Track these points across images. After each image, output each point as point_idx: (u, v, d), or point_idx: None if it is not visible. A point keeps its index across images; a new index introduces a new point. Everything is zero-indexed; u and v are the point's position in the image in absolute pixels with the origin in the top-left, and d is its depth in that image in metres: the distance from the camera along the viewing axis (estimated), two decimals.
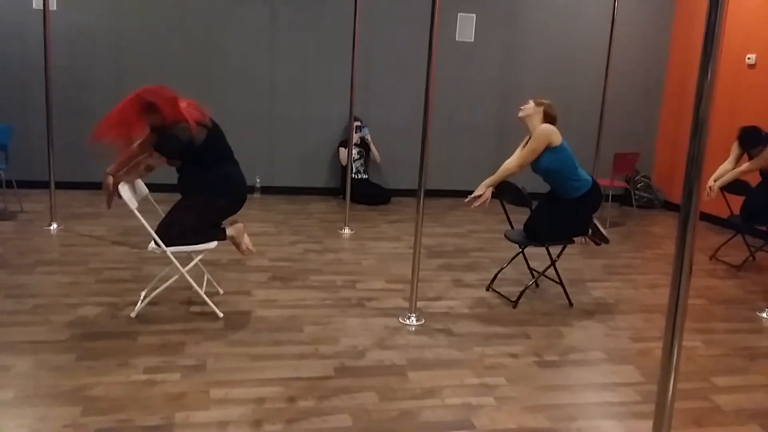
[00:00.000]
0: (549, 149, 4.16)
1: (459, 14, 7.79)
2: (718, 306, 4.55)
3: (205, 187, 3.75)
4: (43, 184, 5.86)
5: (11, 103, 6.97)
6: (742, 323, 4.24)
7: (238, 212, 3.92)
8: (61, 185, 6.17)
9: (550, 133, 4.15)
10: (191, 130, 3.59)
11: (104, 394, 2.83)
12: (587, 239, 4.62)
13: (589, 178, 4.30)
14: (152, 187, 4.04)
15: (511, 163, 4.28)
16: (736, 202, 5.65)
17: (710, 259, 5.76)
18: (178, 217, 3.69)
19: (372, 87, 7.71)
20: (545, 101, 4.26)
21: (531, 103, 4.26)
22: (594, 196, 4.30)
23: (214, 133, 3.77)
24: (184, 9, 7.22)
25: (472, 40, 7.92)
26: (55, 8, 6.69)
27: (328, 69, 7.58)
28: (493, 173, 4.32)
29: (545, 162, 4.18)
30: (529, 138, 4.27)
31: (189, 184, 3.78)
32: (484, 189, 4.22)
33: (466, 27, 7.86)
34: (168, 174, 3.84)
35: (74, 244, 5.18)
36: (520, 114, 4.27)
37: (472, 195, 4.22)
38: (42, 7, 5.47)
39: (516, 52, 8.08)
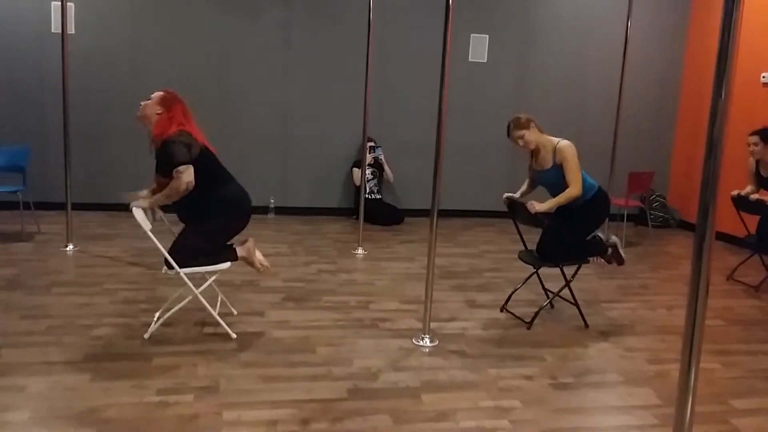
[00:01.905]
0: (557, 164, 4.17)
1: (472, 35, 7.83)
2: (736, 327, 4.49)
3: (209, 211, 3.74)
4: (60, 206, 5.92)
5: (29, 125, 7.06)
6: (760, 344, 4.18)
7: (250, 228, 3.91)
8: (78, 207, 6.23)
9: (574, 148, 4.15)
10: (191, 140, 3.63)
11: (118, 416, 2.82)
12: (604, 259, 4.58)
13: (594, 182, 4.28)
14: (166, 208, 4.06)
15: (572, 190, 4.09)
16: (753, 221, 5.59)
17: (727, 279, 5.69)
18: (189, 240, 3.70)
19: (385, 107, 7.75)
20: (522, 116, 4.22)
21: (522, 132, 4.18)
22: (601, 199, 4.29)
23: (206, 154, 3.76)
24: (200, 33, 7.31)
25: (485, 60, 7.95)
26: (73, 32, 6.80)
27: (342, 90, 7.62)
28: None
29: (559, 176, 4.17)
30: (536, 157, 4.28)
31: (192, 212, 3.76)
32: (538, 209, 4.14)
33: (478, 47, 7.89)
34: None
35: (90, 265, 5.21)
36: (531, 146, 4.22)
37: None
38: (60, 31, 5.57)
39: (529, 73, 8.10)
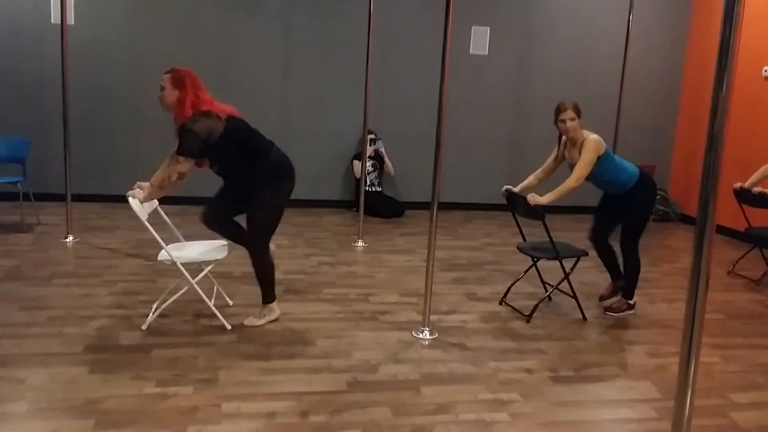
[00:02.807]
0: (600, 159, 4.14)
1: (473, 27, 7.80)
2: (736, 321, 4.49)
3: (262, 183, 3.72)
4: (60, 197, 5.91)
5: (29, 116, 7.05)
6: (761, 338, 4.18)
7: None
8: (78, 198, 6.22)
9: (600, 145, 4.14)
10: (211, 120, 3.57)
11: (117, 407, 2.83)
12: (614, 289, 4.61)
13: (634, 169, 4.29)
14: (162, 201, 4.06)
15: (570, 181, 4.10)
16: (754, 214, 5.58)
17: (728, 273, 5.69)
18: (257, 222, 3.74)
19: (386, 100, 7.73)
20: (577, 106, 4.20)
21: (574, 116, 4.15)
22: (645, 182, 4.32)
23: (234, 125, 3.70)
24: (200, 25, 7.29)
25: (486, 53, 7.92)
26: (73, 23, 6.77)
27: (342, 82, 7.60)
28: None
29: (605, 174, 4.20)
30: (564, 150, 4.28)
31: (246, 187, 3.74)
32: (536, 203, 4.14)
33: (480, 40, 7.87)
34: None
35: (89, 256, 5.21)
36: (570, 134, 4.19)
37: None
38: (60, 22, 5.55)
39: (530, 65, 8.07)
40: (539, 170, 4.47)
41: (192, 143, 3.55)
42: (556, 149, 4.41)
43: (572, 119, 4.14)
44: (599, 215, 4.57)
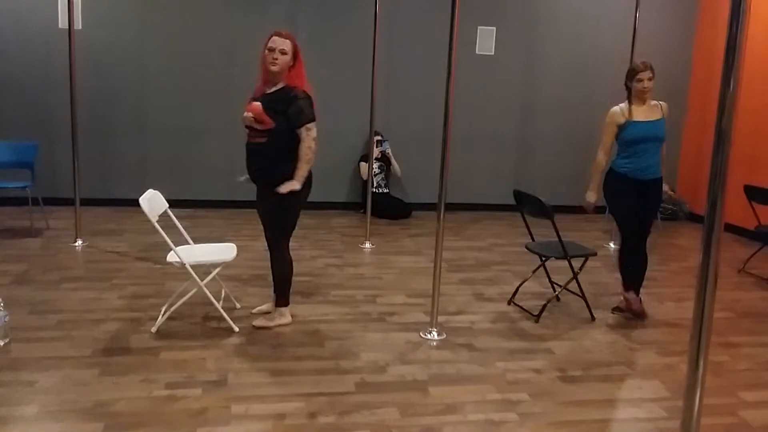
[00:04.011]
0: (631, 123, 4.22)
1: (479, 27, 7.79)
2: (746, 319, 4.47)
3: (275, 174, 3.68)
4: (69, 201, 5.94)
5: (37, 121, 7.08)
6: None
7: (256, 224, 3.95)
8: (86, 202, 6.25)
9: (610, 114, 4.28)
10: (311, 99, 3.66)
11: (126, 410, 2.84)
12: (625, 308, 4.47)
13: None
14: (172, 204, 4.08)
15: (598, 157, 4.32)
16: (763, 212, 5.56)
17: (739, 271, 5.66)
18: (282, 221, 3.79)
19: (392, 101, 7.73)
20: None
21: (652, 76, 4.21)
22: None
23: None
24: (207, 28, 7.31)
25: (493, 52, 7.91)
26: (80, 27, 6.81)
27: (349, 83, 7.61)
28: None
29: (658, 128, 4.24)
30: (640, 106, 4.26)
31: (278, 179, 3.63)
32: (589, 199, 4.24)
33: (486, 40, 7.86)
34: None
35: (98, 260, 5.24)
36: (649, 92, 4.23)
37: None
38: (67, 27, 5.58)
39: (537, 65, 8.06)
40: (603, 154, 4.37)
41: (312, 109, 3.64)
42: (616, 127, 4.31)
43: (650, 79, 4.21)
44: (633, 209, 4.28)
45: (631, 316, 4.35)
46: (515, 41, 7.95)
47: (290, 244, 3.91)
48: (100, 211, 6.96)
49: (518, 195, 4.36)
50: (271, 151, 3.64)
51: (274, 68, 3.61)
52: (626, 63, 6.44)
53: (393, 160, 7.70)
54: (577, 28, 8.02)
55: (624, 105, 4.29)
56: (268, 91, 3.69)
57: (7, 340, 3.48)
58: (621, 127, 4.24)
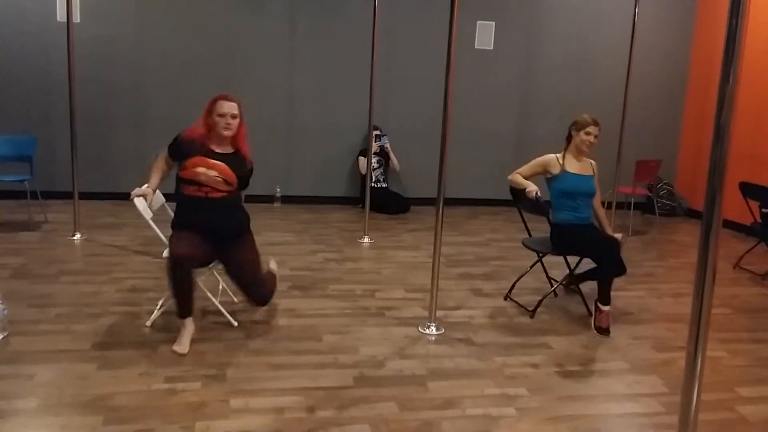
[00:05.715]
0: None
1: (478, 22, 7.79)
2: (743, 315, 4.48)
3: (248, 222, 3.88)
4: (67, 195, 5.93)
5: (35, 114, 7.07)
6: (767, 333, 4.17)
7: (256, 217, 4.03)
8: (85, 196, 6.25)
9: (547, 159, 4.31)
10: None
11: (125, 403, 2.84)
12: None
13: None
14: (169, 198, 4.07)
15: (512, 175, 4.38)
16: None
17: (734, 267, 5.67)
18: (257, 264, 3.79)
19: (391, 96, 7.72)
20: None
21: (598, 133, 4.24)
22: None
23: None
24: (206, 21, 7.30)
25: (492, 47, 7.91)
26: (78, 20, 6.78)
27: (347, 78, 7.60)
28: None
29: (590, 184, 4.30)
30: (578, 160, 4.28)
31: (244, 224, 3.83)
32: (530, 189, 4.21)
33: (485, 34, 7.85)
34: None
35: (97, 254, 5.24)
36: (589, 150, 4.26)
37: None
38: (66, 20, 5.57)
39: (535, 60, 8.06)
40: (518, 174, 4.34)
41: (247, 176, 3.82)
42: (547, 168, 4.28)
43: (597, 137, 4.21)
44: (596, 239, 4.18)
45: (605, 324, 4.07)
46: (514, 36, 7.95)
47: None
48: (99, 204, 6.96)
49: (514, 191, 4.37)
50: (237, 198, 3.80)
51: (227, 133, 3.66)
52: (625, 58, 6.45)
53: (392, 155, 7.70)
54: (576, 23, 8.02)
55: (560, 155, 4.30)
56: (220, 152, 3.68)
57: (5, 334, 3.49)
58: (554, 177, 4.24)
